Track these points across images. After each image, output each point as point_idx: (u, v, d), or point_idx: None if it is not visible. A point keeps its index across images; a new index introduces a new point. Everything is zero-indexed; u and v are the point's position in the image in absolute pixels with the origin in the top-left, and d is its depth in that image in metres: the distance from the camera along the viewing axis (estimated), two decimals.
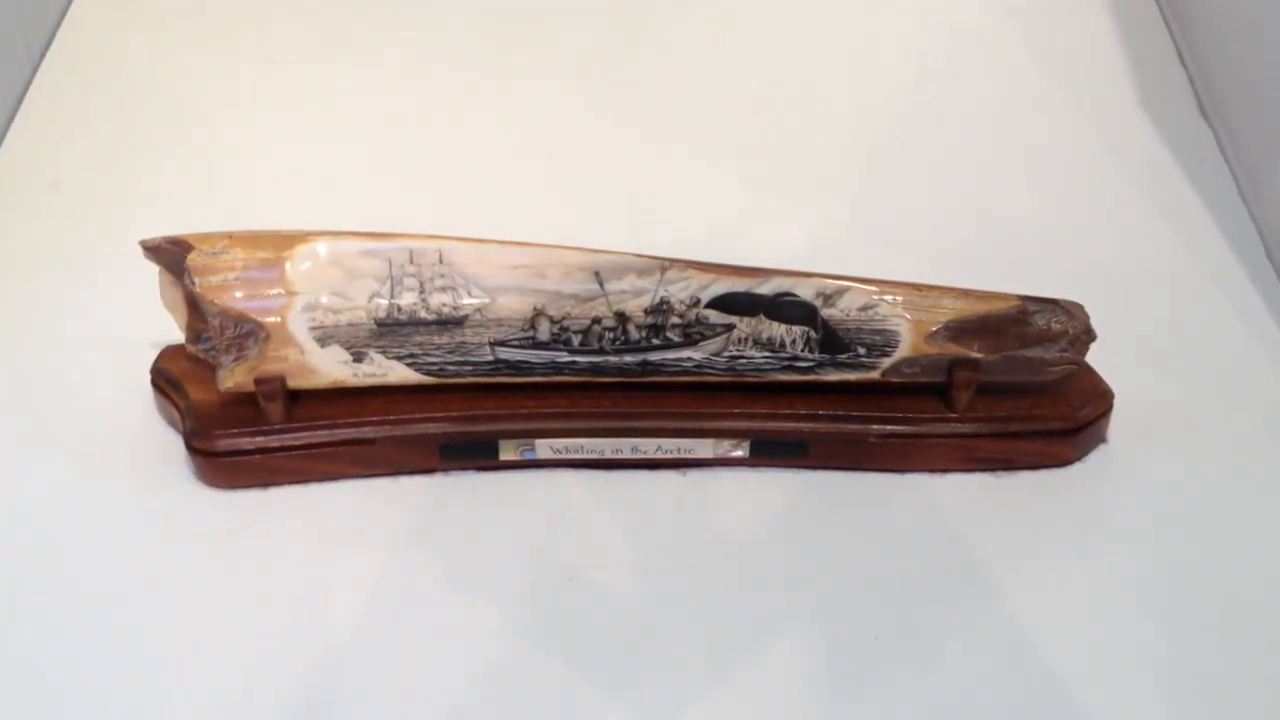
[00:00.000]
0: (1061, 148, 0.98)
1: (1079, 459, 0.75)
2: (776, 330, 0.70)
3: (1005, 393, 0.73)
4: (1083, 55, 1.06)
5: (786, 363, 0.71)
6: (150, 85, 1.03)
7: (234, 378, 0.70)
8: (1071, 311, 0.72)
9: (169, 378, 0.74)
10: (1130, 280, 0.87)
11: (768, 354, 0.71)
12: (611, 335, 0.70)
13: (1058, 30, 1.08)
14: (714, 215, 0.92)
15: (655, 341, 0.70)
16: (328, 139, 0.98)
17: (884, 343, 0.71)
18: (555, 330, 0.69)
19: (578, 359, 0.70)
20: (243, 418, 0.71)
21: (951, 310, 0.71)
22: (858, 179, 0.95)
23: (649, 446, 0.72)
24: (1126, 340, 0.77)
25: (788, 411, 0.72)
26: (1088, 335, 0.73)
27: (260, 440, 0.71)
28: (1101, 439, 0.76)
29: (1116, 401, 0.75)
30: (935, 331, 0.71)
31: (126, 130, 0.99)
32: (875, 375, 0.71)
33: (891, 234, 0.90)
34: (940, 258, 0.86)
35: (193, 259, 0.69)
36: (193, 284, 0.69)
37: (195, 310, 0.71)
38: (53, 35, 1.06)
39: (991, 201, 0.93)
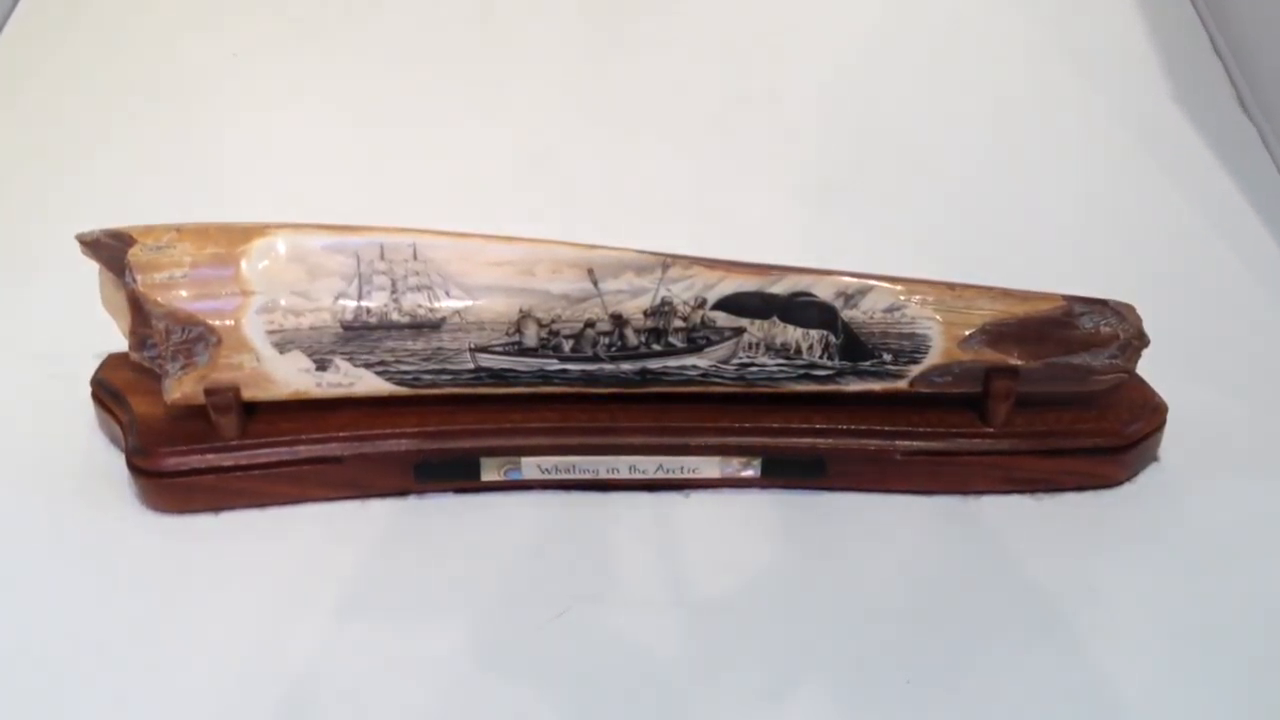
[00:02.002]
0: (1093, 143, 0.96)
1: (1129, 479, 0.71)
2: (792, 334, 0.67)
3: (1047, 405, 0.70)
4: (1109, 46, 1.04)
5: (803, 371, 0.67)
6: (98, 76, 1.00)
7: (181, 388, 0.66)
8: (1122, 313, 0.68)
9: (110, 389, 0.70)
10: (1173, 283, 0.83)
11: (782, 361, 0.67)
12: (607, 340, 0.66)
13: (1082, 21, 1.07)
14: (719, 212, 0.89)
15: (656, 347, 0.67)
16: (295, 131, 0.96)
17: (912, 348, 0.67)
18: (544, 335, 0.66)
19: (569, 367, 0.67)
20: (192, 433, 0.67)
21: (988, 312, 0.67)
22: (876, 176, 0.92)
23: (649, 465, 0.69)
24: (1173, 347, 0.72)
25: (804, 426, 0.69)
26: (1140, 340, 0.68)
27: (211, 458, 0.67)
28: (1153, 457, 0.72)
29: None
30: (969, 336, 0.67)
31: (70, 122, 0.96)
32: (902, 385, 0.67)
33: (914, 233, 0.87)
34: (967, 258, 0.82)
35: (134, 254, 0.65)
36: (134, 282, 0.65)
37: (139, 313, 0.67)
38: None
39: (1019, 201, 0.91)
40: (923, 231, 0.87)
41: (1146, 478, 0.72)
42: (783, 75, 1.02)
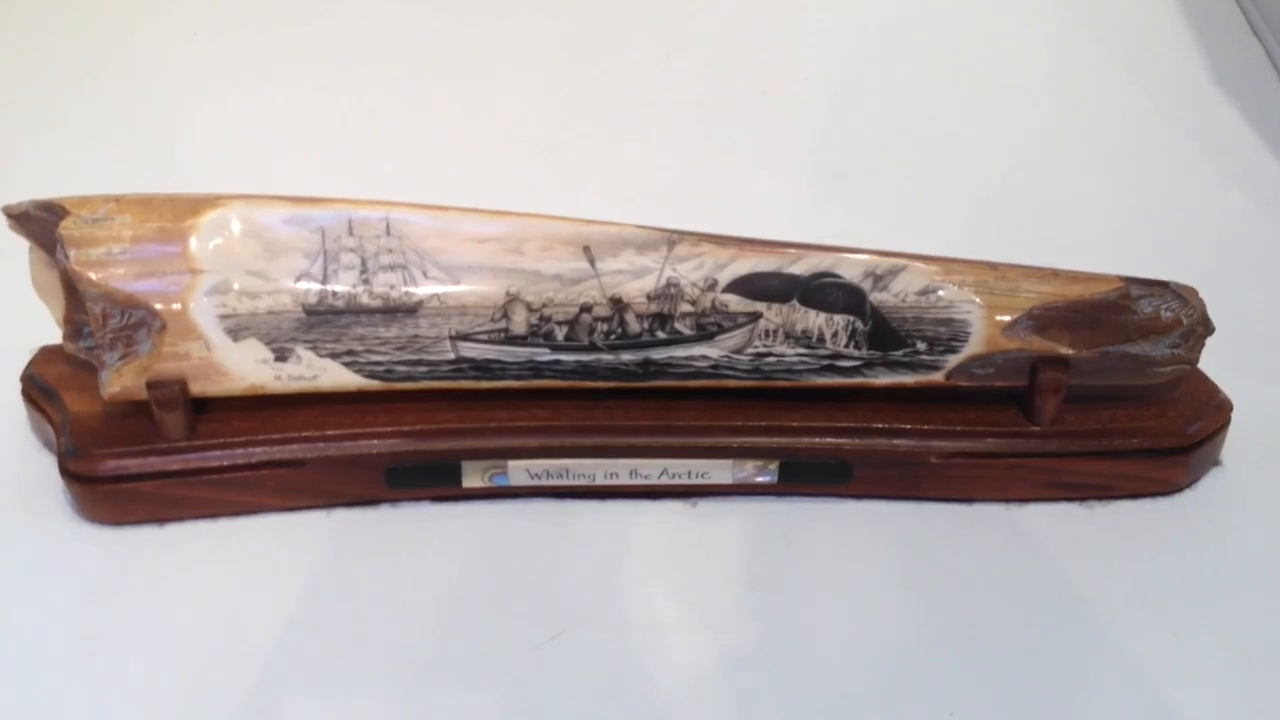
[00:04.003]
0: (1133, 128, 0.95)
1: (1190, 485, 0.67)
2: (813, 320, 0.63)
3: (1099, 401, 0.66)
4: (1145, 30, 1.04)
5: (826, 361, 0.64)
6: (44, 51, 0.99)
7: (120, 381, 0.62)
8: (1184, 297, 0.64)
9: (42, 386, 0.68)
10: (1221, 269, 0.80)
11: (802, 350, 0.64)
12: (605, 327, 0.63)
13: (1116, 7, 1.07)
14: (727, 196, 0.87)
15: (660, 335, 0.63)
16: (261, 110, 0.95)
17: (950, 336, 0.63)
18: (534, 321, 0.63)
19: (562, 358, 0.63)
20: (132, 433, 0.63)
21: (1035, 295, 0.63)
22: (904, 162, 0.91)
23: (652, 470, 0.65)
24: (1226, 340, 0.68)
25: (826, 425, 0.65)
26: (1205, 327, 0.64)
27: (154, 462, 0.63)
28: (1215, 460, 0.68)
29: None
30: (1014, 321, 0.63)
31: (9, 96, 0.95)
32: (938, 378, 0.64)
33: (939, 220, 0.85)
34: (999, 246, 0.77)
35: (66, 227, 0.61)
36: (66, 259, 0.60)
37: (73, 296, 0.63)
38: None
39: (1056, 188, 0.89)
40: (949, 218, 0.85)
41: (1209, 483, 0.68)
42: (798, 54, 1.01)
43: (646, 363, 0.64)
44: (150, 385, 0.62)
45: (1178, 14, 1.03)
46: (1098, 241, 0.82)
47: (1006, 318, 0.62)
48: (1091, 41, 1.01)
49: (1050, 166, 0.90)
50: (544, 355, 0.63)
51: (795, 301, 0.63)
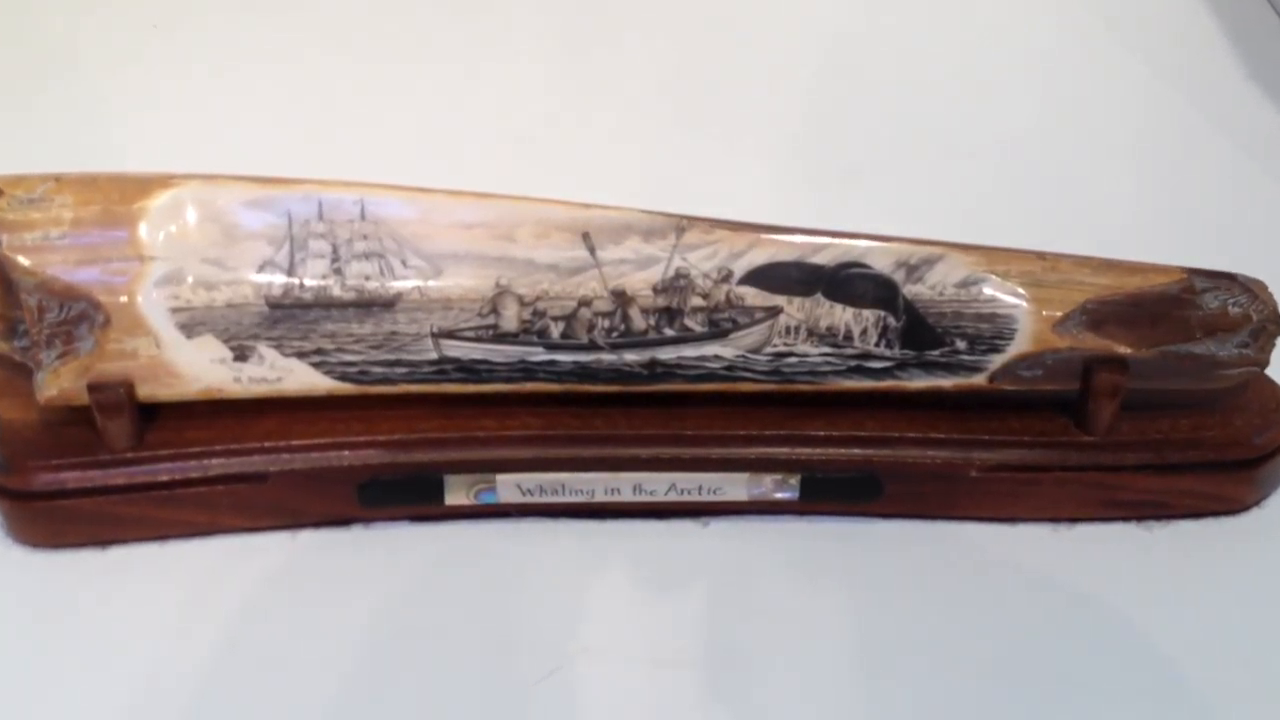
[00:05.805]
0: (1167, 126, 0.93)
1: (1257, 503, 0.63)
2: (840, 316, 0.60)
3: (1156, 408, 0.61)
4: (1175, 29, 1.03)
5: (854, 362, 0.60)
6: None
7: (58, 383, 0.58)
8: (1253, 291, 0.59)
9: None
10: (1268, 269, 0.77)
11: (827, 350, 0.60)
12: (606, 324, 0.60)
13: (1145, 6, 1.07)
14: (736, 186, 0.83)
15: (668, 332, 0.60)
16: (221, 83, 0.92)
17: (993, 333, 0.59)
18: (526, 316, 0.60)
19: (558, 358, 0.60)
20: (71, 443, 0.60)
21: (1090, 287, 0.58)
22: (924, 152, 0.88)
23: (658, 485, 0.62)
24: None
25: (854, 434, 0.62)
26: (1276, 325, 0.59)
27: (96, 476, 0.59)
28: None
29: None
30: (1066, 317, 0.58)
31: None
32: (980, 380, 0.60)
33: (968, 212, 0.81)
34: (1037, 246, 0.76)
35: None
36: None
37: (7, 288, 0.58)
38: None
39: (1086, 187, 0.86)
40: (974, 210, 0.82)
41: (1277, 501, 0.63)
42: (816, 29, 1.00)
43: (652, 363, 0.60)
44: (92, 388, 0.57)
45: (1209, 13, 1.04)
46: (1131, 236, 0.78)
47: (1057, 313, 0.58)
48: (1124, 31, 1.01)
49: (1079, 158, 0.89)
50: (538, 355, 0.60)
51: (819, 295, 0.59)
